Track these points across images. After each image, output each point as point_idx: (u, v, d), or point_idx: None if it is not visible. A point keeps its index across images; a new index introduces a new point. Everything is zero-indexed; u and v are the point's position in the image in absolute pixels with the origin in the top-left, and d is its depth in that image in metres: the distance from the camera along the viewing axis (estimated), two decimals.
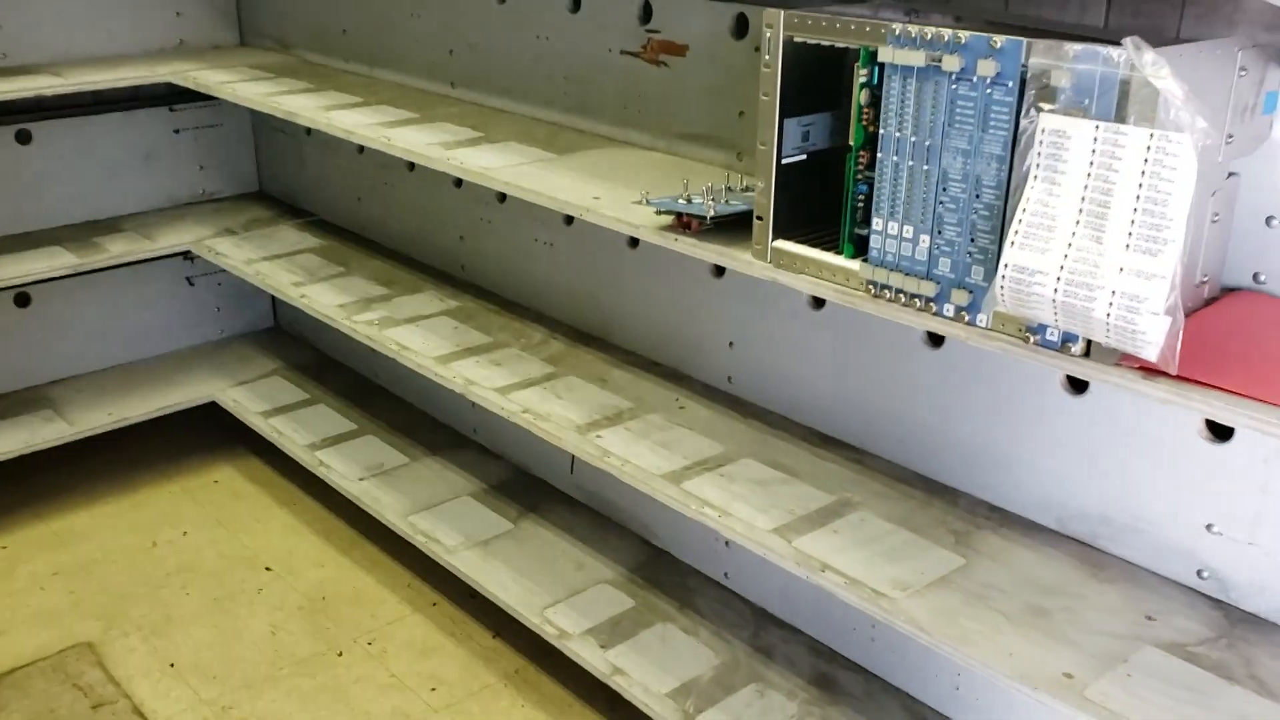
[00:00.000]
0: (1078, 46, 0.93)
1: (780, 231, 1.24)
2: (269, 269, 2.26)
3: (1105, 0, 1.25)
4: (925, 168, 1.07)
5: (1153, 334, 0.92)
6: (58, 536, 2.29)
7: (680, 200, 1.37)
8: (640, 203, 1.39)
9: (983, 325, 1.06)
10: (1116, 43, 0.91)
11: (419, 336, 1.94)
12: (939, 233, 1.07)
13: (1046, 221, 0.96)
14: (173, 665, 1.94)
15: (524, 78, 1.96)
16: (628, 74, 1.76)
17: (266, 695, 1.87)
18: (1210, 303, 1.12)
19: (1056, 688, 1.09)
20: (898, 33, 1.06)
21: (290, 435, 2.33)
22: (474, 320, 2.02)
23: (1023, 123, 0.97)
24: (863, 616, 1.62)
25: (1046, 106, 0.96)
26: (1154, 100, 0.90)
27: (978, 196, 1.04)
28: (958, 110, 1.03)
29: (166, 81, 2.33)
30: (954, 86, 1.03)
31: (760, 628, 1.74)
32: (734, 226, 1.33)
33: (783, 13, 1.16)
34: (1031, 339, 1.02)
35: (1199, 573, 1.24)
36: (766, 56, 1.18)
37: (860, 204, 1.15)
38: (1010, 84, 0.99)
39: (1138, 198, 0.91)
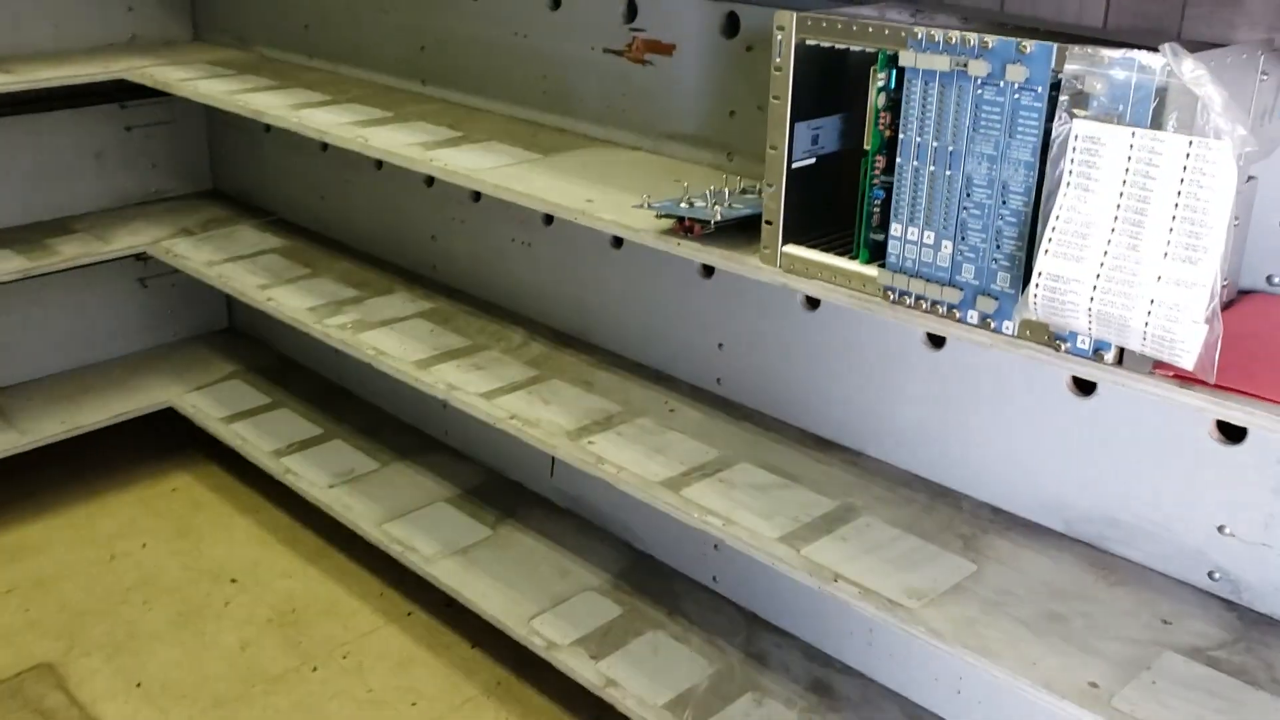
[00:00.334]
0: (1114, 53, 0.91)
1: (788, 236, 1.22)
2: (232, 271, 2.19)
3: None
4: (948, 173, 1.05)
5: (1191, 342, 0.91)
6: (9, 552, 2.20)
7: (682, 204, 1.34)
8: (641, 206, 1.36)
9: (1009, 333, 1.04)
10: (1153, 48, 0.90)
11: (395, 340, 1.89)
12: (962, 239, 1.05)
13: (1080, 229, 0.94)
14: (139, 685, 1.87)
15: (500, 75, 1.91)
16: (611, 73, 1.72)
17: (241, 714, 1.81)
18: (1229, 306, 1.11)
19: (1083, 698, 1.08)
20: (920, 37, 1.04)
21: (254, 442, 2.27)
22: (450, 323, 1.97)
23: (1054, 129, 0.95)
24: (859, 620, 1.61)
25: (1079, 113, 0.94)
26: (1193, 107, 0.89)
27: (1004, 203, 1.02)
28: (983, 115, 1.01)
29: (118, 78, 2.25)
30: (980, 91, 1.01)
31: (752, 633, 1.72)
32: (735, 230, 1.31)
33: (795, 15, 1.13)
34: (1062, 347, 1.01)
35: (1210, 574, 1.24)
36: (777, 59, 1.15)
37: (876, 209, 1.13)
38: (1039, 89, 0.97)
39: (1176, 205, 0.90)
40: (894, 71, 1.08)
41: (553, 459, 2.00)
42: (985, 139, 1.02)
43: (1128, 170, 0.92)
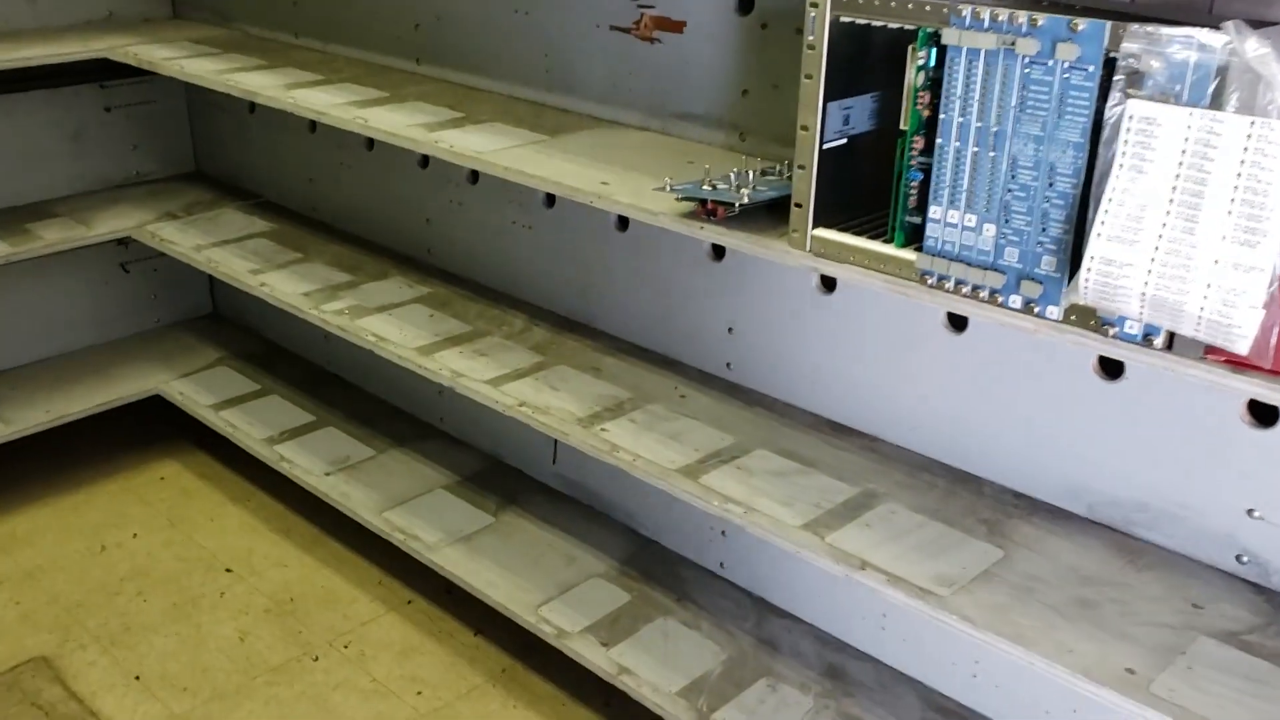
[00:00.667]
0: (1174, 31, 0.89)
1: (818, 219, 1.19)
2: (221, 256, 2.14)
3: None
4: (992, 154, 1.03)
5: (1248, 327, 0.89)
6: None
7: (705, 186, 1.31)
8: (663, 189, 1.33)
9: (1054, 318, 1.03)
10: (1215, 27, 0.88)
11: (394, 326, 1.85)
12: (1006, 222, 1.04)
13: (1134, 212, 0.93)
14: (138, 678, 1.83)
15: (499, 54, 1.87)
16: (617, 51, 1.69)
17: (244, 706, 1.78)
18: None
19: (1123, 685, 1.07)
20: (964, 14, 1.01)
21: (245, 429, 2.22)
22: (449, 308, 1.94)
23: (1107, 110, 0.94)
24: (871, 604, 1.60)
25: (1134, 92, 0.92)
26: (1255, 86, 0.87)
27: (1051, 185, 1.00)
28: (1030, 95, 0.99)
29: (99, 57, 2.18)
30: (1027, 71, 0.99)
31: (762, 618, 1.71)
32: (758, 213, 1.28)
33: None
34: (1110, 332, 0.99)
35: (1239, 557, 1.23)
36: (810, 36, 1.13)
37: (913, 191, 1.11)
38: (1091, 69, 0.95)
39: (1235, 188, 0.88)
40: (934, 50, 1.05)
41: (555, 444, 1.97)
42: (1032, 119, 1.00)
43: (1184, 151, 0.90)
